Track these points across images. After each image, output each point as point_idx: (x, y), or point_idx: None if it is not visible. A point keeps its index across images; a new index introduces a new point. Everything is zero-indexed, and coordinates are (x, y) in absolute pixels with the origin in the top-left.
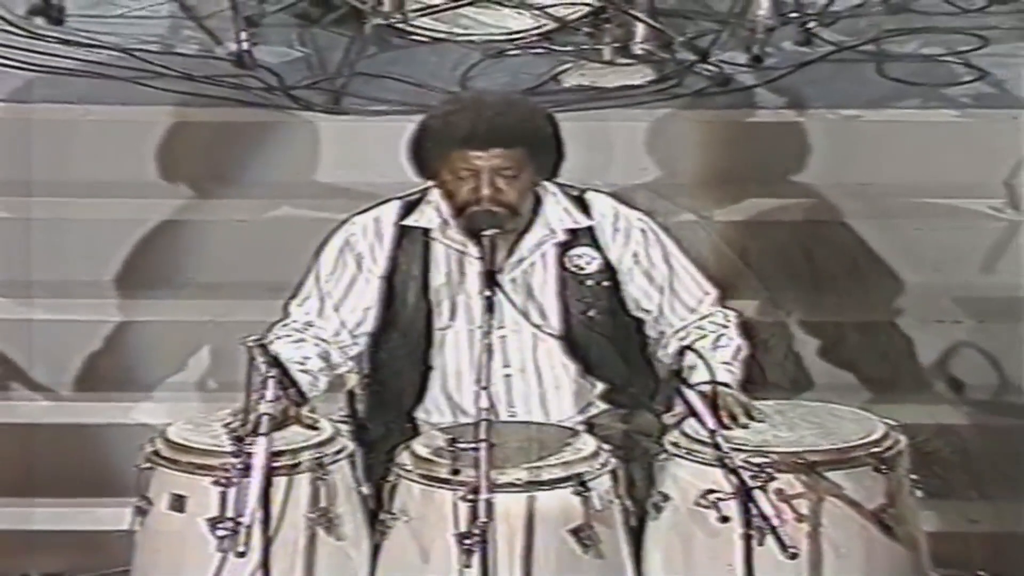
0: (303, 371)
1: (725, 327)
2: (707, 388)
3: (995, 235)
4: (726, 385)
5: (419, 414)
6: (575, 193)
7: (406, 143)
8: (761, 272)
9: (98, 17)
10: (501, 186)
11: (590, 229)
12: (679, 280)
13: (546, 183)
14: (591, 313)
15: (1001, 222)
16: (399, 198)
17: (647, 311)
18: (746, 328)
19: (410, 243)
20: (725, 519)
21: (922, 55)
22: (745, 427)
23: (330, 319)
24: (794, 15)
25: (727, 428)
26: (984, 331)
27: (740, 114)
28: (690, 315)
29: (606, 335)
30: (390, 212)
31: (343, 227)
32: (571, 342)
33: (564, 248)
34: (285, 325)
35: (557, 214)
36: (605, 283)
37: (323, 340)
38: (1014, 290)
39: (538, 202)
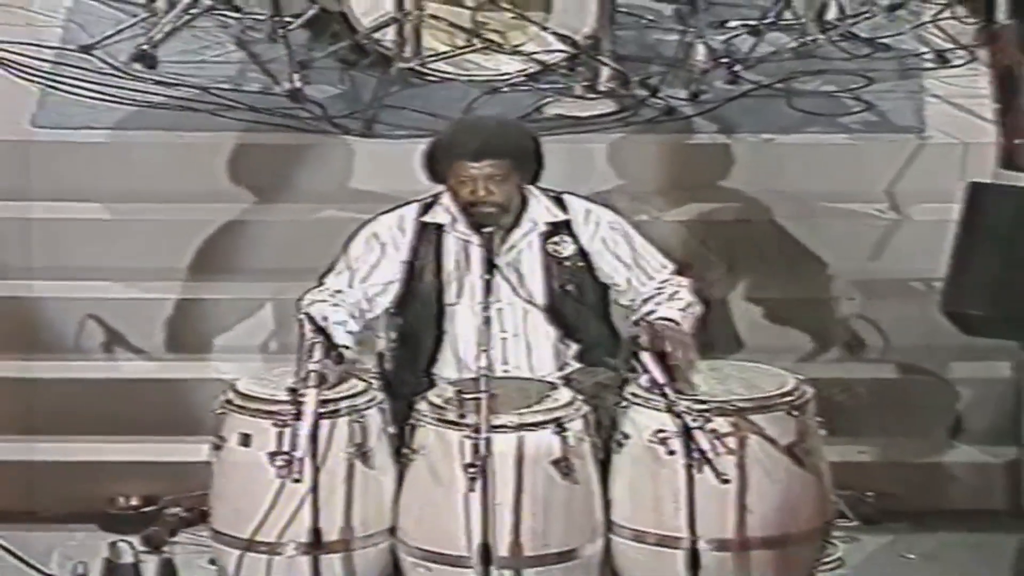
0: (347, 332)
1: (678, 288)
2: (657, 327)
3: (880, 232)
4: (674, 322)
5: (434, 371)
6: (554, 195)
7: (421, 156)
8: (701, 260)
9: (183, 62)
10: (492, 188)
11: (567, 222)
12: (641, 257)
13: (531, 188)
14: (568, 288)
15: (884, 222)
16: (418, 201)
17: (617, 284)
18: (699, 292)
19: (427, 235)
20: (672, 452)
21: (822, 91)
22: (685, 375)
23: (355, 289)
24: (724, 60)
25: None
26: (872, 306)
27: (682, 137)
28: (652, 283)
29: (580, 306)
30: (411, 211)
31: (372, 221)
32: (552, 312)
33: (546, 237)
34: (320, 291)
35: (540, 211)
36: (579, 264)
37: (349, 304)
38: (894, 274)
39: (525, 202)
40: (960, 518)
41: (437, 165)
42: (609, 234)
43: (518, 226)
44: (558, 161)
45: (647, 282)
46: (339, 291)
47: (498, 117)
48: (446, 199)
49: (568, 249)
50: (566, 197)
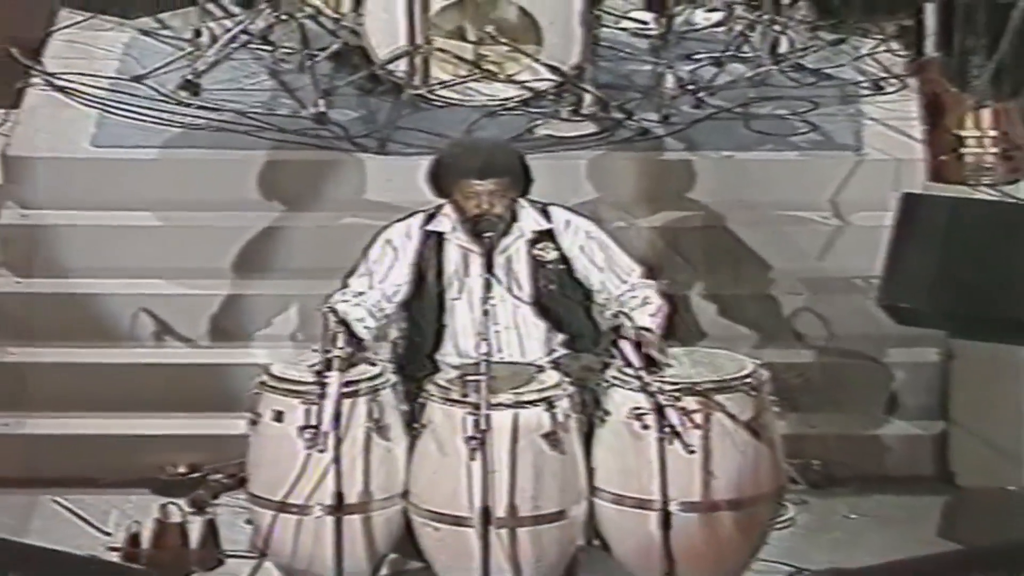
0: (364, 327)
1: (648, 292)
2: (635, 333)
3: (824, 236)
4: (649, 330)
5: (439, 357)
6: (540, 206)
7: (425, 172)
8: (672, 260)
9: (223, 90)
10: (494, 202)
11: (550, 230)
12: (614, 262)
13: (520, 199)
14: (551, 287)
15: (828, 227)
16: (422, 211)
17: (592, 285)
18: (665, 294)
19: (431, 241)
20: (646, 427)
21: (775, 115)
22: (662, 366)
23: (375, 290)
24: (690, 87)
25: (653, 365)
26: (818, 300)
27: (654, 154)
28: (623, 284)
29: (565, 301)
30: (417, 220)
31: (385, 230)
32: (539, 307)
33: (532, 243)
34: (344, 293)
35: (528, 221)
36: (560, 266)
37: (370, 304)
38: (837, 272)
39: (514, 213)
40: (895, 483)
41: (441, 181)
42: (586, 242)
43: (509, 233)
44: (547, 174)
45: (619, 284)
46: (361, 292)
47: (492, 139)
48: (447, 210)
49: (551, 254)
50: (550, 208)
